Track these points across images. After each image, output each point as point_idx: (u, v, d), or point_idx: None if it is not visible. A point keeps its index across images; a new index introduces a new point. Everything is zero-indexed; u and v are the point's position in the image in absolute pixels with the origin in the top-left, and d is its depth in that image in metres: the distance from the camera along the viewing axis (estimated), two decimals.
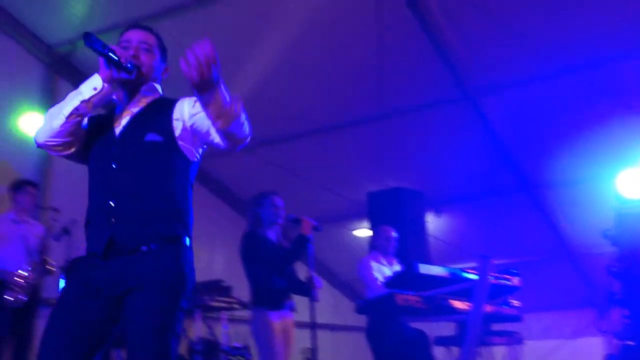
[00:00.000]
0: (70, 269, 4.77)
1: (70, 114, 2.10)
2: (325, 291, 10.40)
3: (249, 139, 2.11)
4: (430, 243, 7.40)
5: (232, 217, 8.86)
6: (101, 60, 2.11)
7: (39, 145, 2.16)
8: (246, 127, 2.06)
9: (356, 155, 7.95)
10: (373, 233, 5.35)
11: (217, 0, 6.14)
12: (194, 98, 2.08)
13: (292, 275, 4.18)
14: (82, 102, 2.10)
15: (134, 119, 2.21)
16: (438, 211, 8.50)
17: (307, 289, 4.05)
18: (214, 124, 1.99)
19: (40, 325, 4.87)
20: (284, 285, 4.07)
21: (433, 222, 8.19)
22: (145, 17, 6.21)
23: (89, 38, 2.02)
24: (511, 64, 6.45)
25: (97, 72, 2.13)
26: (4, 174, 6.19)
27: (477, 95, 6.86)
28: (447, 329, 5.87)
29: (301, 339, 9.32)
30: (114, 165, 2.13)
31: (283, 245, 4.22)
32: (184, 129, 2.17)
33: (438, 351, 5.55)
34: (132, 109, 2.23)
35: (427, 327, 5.46)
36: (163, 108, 2.22)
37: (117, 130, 2.19)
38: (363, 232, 8.71)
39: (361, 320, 5.41)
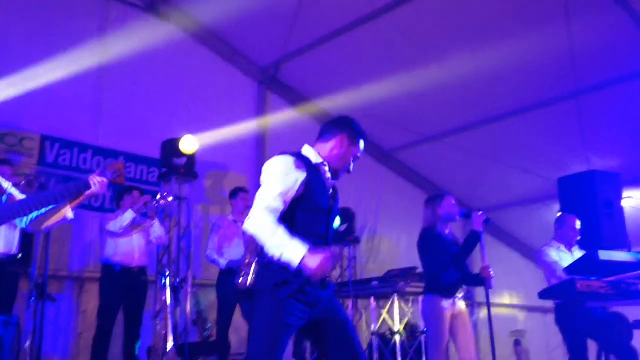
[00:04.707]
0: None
1: None
2: (534, 274, 10.22)
3: None
4: None
5: None
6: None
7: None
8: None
9: (549, 137, 7.82)
10: (557, 221, 5.32)
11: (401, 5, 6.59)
12: None
13: (466, 269, 4.48)
14: None
15: (334, 190, 3.00)
16: None
17: (481, 280, 4.33)
18: None
19: None
20: (457, 278, 4.40)
21: None
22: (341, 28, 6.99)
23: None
24: None
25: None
26: (229, 180, 7.40)
27: None
28: None
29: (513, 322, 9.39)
30: (327, 218, 2.84)
31: (457, 242, 4.55)
32: None
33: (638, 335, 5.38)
34: (334, 184, 3.02)
35: (628, 312, 5.33)
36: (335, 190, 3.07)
37: (331, 193, 2.92)
38: None
39: None
